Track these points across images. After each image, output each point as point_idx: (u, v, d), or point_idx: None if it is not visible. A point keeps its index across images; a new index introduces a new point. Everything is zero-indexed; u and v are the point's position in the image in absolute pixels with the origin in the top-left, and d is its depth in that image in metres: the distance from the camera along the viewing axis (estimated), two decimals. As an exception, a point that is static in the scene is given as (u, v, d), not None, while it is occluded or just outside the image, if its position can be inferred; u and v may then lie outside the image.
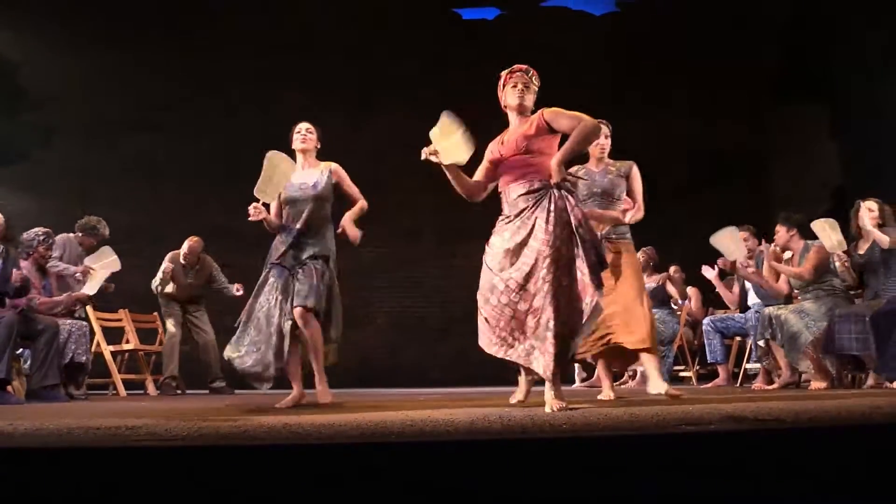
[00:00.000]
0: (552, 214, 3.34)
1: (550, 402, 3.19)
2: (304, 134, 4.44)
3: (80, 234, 6.75)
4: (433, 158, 3.55)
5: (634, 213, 4.51)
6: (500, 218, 3.57)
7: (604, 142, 4.57)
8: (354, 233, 4.28)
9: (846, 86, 9.27)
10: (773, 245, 5.98)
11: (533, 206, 3.41)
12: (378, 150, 9.20)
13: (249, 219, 4.16)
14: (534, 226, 3.37)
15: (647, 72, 9.83)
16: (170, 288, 7.47)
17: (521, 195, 3.46)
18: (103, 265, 6.32)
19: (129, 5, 9.37)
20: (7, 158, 8.70)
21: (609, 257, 4.15)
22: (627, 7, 10.72)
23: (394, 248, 9.82)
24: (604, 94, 9.38)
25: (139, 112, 9.46)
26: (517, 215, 3.44)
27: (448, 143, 3.53)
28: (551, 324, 3.19)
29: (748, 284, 6.64)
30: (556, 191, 3.40)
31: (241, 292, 7.14)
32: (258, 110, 9.31)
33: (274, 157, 4.22)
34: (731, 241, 5.74)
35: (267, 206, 4.26)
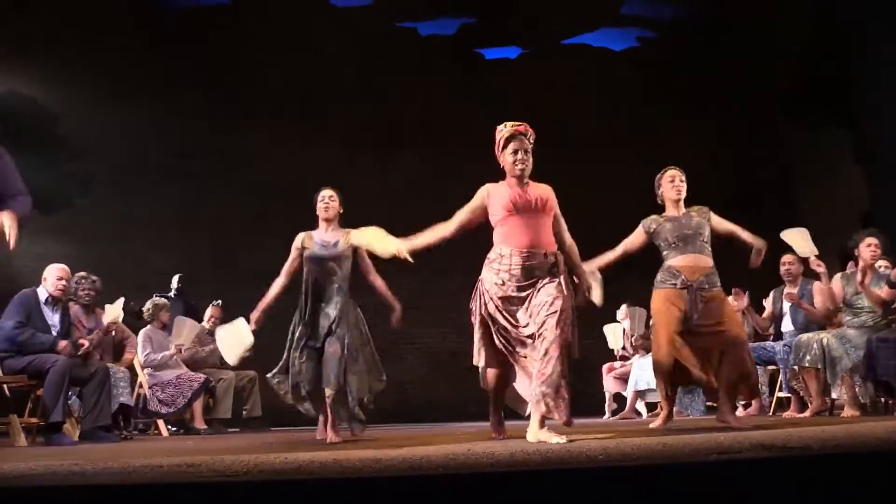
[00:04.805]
0: (561, 279, 3.73)
1: (544, 435, 3.49)
2: (326, 202, 4.75)
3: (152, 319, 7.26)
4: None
5: (756, 242, 4.67)
6: (510, 278, 3.76)
7: (679, 184, 4.66)
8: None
9: (870, 107, 9.29)
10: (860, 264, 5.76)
11: (545, 273, 3.75)
12: (407, 189, 9.38)
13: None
14: (548, 285, 3.72)
15: (669, 101, 9.95)
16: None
17: (537, 262, 3.76)
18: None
19: (162, 57, 9.70)
20: (50, 207, 9.00)
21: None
22: (646, 41, 10.89)
23: (424, 283, 9.96)
24: (627, 125, 9.53)
25: (174, 159, 9.74)
26: (530, 283, 3.74)
27: None
28: (555, 369, 3.55)
29: (785, 307, 6.58)
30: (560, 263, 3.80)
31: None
32: (289, 154, 9.54)
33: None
34: (801, 238, 5.74)
35: None
